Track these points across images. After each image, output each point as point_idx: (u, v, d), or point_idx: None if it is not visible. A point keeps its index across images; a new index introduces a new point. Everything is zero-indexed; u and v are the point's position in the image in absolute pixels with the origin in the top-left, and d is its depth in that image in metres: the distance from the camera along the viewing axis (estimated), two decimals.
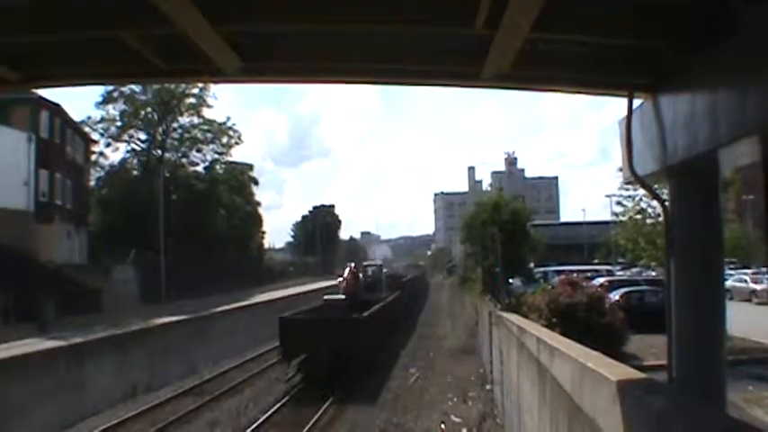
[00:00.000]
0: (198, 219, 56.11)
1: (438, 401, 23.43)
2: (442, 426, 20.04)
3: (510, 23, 7.58)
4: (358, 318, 29.12)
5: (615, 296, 31.20)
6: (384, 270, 54.93)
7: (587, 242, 74.42)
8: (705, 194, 10.21)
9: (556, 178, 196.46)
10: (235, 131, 65.96)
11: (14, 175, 40.58)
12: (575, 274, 33.85)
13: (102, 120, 59.49)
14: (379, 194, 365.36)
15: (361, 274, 44.50)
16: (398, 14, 8.35)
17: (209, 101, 62.62)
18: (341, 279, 40.75)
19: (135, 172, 61.69)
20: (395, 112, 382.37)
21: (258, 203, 77.28)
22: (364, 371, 27.36)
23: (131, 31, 8.62)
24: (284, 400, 23.92)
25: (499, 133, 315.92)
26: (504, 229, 30.51)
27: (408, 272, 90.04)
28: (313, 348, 26.48)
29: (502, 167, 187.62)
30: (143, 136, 61.41)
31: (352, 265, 42.85)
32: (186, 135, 63.26)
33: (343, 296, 37.01)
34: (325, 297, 38.41)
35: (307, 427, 20.18)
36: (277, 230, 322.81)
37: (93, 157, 60.33)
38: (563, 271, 42.48)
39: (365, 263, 58.94)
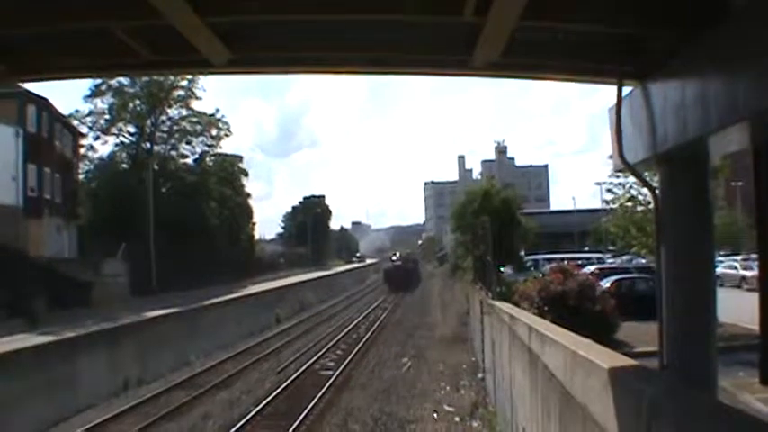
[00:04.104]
0: (188, 211, 55.71)
1: (430, 390, 23.51)
2: (435, 415, 20.11)
3: (499, 11, 7.56)
4: (411, 267, 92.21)
5: (606, 284, 31.29)
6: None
7: (578, 230, 74.47)
8: (695, 181, 10.22)
9: (546, 166, 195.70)
10: (224, 123, 65.37)
11: (2, 170, 40.29)
12: (566, 262, 33.91)
13: (91, 113, 58.75)
14: (370, 184, 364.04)
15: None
16: (386, 3, 8.31)
17: (198, 93, 62.11)
18: (396, 257, 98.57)
19: (124, 165, 60.94)
20: (384, 102, 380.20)
21: (248, 195, 76.80)
22: (414, 287, 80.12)
23: (119, 22, 8.57)
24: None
25: (488, 121, 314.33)
26: (494, 218, 30.51)
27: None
28: (396, 278, 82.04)
29: (492, 156, 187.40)
30: (132, 129, 60.60)
31: (398, 251, 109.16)
32: (175, 127, 62.56)
33: (400, 262, 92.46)
34: (395, 263, 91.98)
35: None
36: (267, 221, 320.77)
37: (82, 151, 59.83)
38: (554, 259, 42.61)
39: (401, 251, 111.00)
